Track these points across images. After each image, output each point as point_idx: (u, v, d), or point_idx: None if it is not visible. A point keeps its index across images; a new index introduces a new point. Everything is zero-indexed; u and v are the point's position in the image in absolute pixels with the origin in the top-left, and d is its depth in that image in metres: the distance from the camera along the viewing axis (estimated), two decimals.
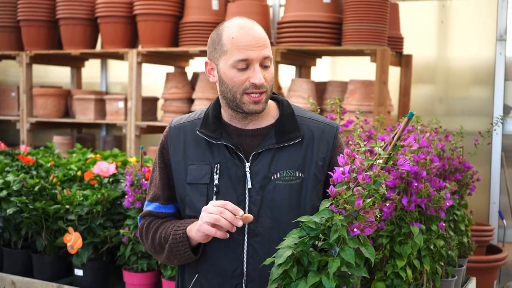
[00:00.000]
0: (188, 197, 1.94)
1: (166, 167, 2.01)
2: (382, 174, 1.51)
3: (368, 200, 1.50)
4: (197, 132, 1.95)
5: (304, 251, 1.58)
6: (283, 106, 2.00)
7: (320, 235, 1.58)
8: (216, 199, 1.88)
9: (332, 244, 1.55)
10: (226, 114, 1.98)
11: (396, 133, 1.59)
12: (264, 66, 1.88)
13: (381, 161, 1.53)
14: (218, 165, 1.91)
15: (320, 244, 1.60)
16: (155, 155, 2.07)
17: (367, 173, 1.50)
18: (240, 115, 1.93)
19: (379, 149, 1.54)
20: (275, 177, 1.88)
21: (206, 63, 1.97)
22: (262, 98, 1.89)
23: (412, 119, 2.72)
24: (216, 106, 2.01)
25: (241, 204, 1.86)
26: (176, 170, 1.97)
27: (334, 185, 1.55)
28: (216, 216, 1.73)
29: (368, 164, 1.52)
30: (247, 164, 1.89)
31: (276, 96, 2.05)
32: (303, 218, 1.59)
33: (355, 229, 1.50)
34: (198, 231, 1.80)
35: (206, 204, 1.85)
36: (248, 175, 1.89)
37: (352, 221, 1.51)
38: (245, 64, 1.86)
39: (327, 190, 1.55)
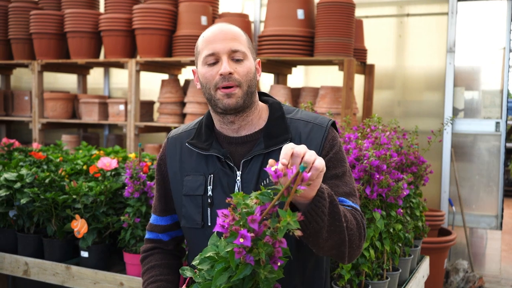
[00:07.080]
0: (184, 208, 1.72)
1: (163, 179, 1.80)
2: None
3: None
4: (186, 144, 1.74)
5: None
6: (272, 108, 1.73)
7: None
8: (210, 211, 1.67)
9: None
10: (215, 121, 1.73)
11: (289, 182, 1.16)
12: (235, 60, 1.63)
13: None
14: (212, 175, 1.67)
15: None
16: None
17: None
18: (226, 118, 1.68)
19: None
20: (266, 182, 1.62)
21: (193, 72, 1.77)
22: (234, 91, 1.61)
23: (374, 120, 2.75)
24: (209, 115, 1.77)
25: None
26: (173, 182, 1.75)
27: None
28: None
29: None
30: (238, 173, 1.65)
31: (267, 99, 1.79)
32: None
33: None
34: None
35: (202, 215, 1.67)
36: (239, 184, 1.64)
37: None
38: (214, 59, 1.62)
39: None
